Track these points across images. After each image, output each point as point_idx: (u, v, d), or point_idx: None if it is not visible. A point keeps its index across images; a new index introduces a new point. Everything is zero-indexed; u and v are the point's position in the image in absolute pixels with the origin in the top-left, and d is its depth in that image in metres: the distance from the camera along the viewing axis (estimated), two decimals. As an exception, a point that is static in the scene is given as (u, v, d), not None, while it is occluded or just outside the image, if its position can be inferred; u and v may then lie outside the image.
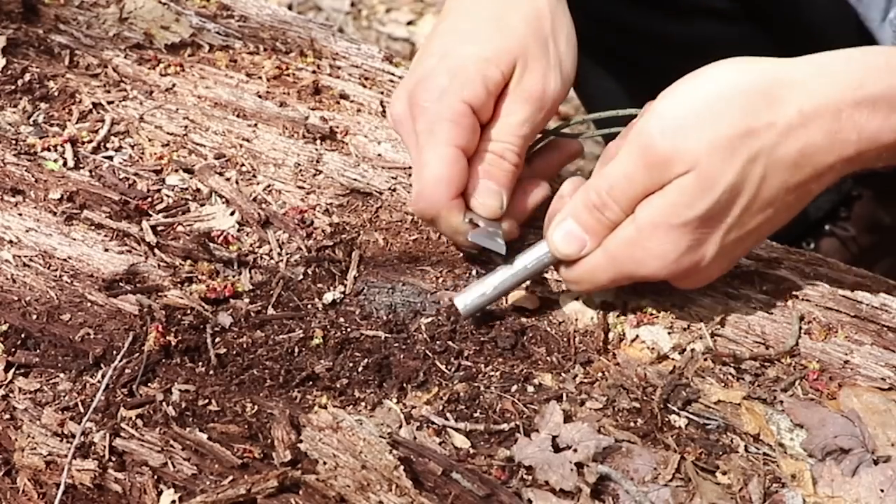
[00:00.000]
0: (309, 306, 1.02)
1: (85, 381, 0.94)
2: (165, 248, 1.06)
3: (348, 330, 1.00)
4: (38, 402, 0.93)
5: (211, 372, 0.95)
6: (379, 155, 1.20)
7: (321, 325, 1.00)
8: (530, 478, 0.87)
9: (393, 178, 1.16)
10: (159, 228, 1.08)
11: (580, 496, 0.86)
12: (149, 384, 0.94)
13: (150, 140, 1.20)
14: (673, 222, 0.92)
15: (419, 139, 1.02)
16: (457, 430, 0.91)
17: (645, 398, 0.94)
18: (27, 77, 1.26)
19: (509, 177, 1.04)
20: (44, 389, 0.93)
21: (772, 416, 0.94)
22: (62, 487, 0.88)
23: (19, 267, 1.03)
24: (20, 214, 1.09)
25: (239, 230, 1.09)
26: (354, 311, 1.02)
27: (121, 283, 1.02)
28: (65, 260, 1.04)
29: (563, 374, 0.97)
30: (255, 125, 1.22)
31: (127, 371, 0.94)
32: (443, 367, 0.97)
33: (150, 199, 1.11)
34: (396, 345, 0.98)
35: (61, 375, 0.94)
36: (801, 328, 1.01)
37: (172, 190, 1.13)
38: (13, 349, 0.96)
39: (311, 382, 0.95)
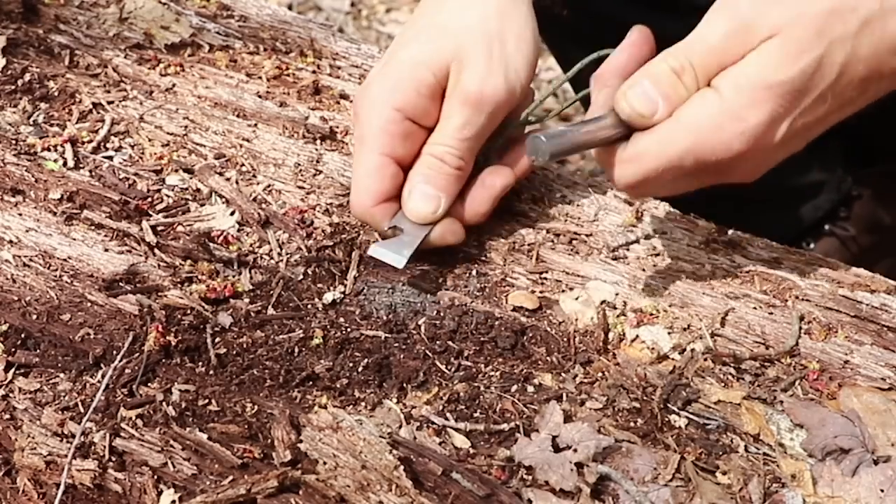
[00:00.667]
0: (309, 306, 1.02)
1: (85, 381, 0.94)
2: (165, 248, 1.06)
3: (348, 330, 1.00)
4: (38, 402, 0.93)
5: (211, 372, 0.95)
6: (379, 155, 1.20)
7: (321, 325, 1.00)
8: (530, 478, 0.87)
9: (393, 178, 1.16)
10: (159, 228, 1.08)
11: (580, 496, 0.86)
12: (149, 384, 0.94)
13: (150, 140, 1.20)
14: (759, 83, 0.90)
15: (355, 146, 1.07)
16: (457, 430, 0.91)
17: (645, 398, 0.94)
18: (27, 77, 1.26)
19: (450, 181, 1.04)
20: (44, 389, 0.93)
21: (772, 416, 0.94)
22: (62, 487, 0.88)
23: (19, 267, 1.03)
24: (20, 214, 1.09)
25: (239, 230, 1.09)
26: (354, 311, 1.02)
27: (121, 283, 1.02)
28: (65, 260, 1.04)
29: (563, 374, 0.97)
30: (255, 125, 1.22)
31: (127, 371, 0.94)
32: (443, 367, 0.97)
33: (150, 199, 1.11)
34: (396, 345, 0.98)
35: (61, 375, 0.94)
36: (801, 328, 1.01)
37: (172, 190, 1.13)
38: (13, 349, 0.96)
39: (311, 382, 0.95)
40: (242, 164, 1.17)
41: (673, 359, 0.98)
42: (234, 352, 0.97)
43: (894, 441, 0.91)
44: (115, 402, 0.92)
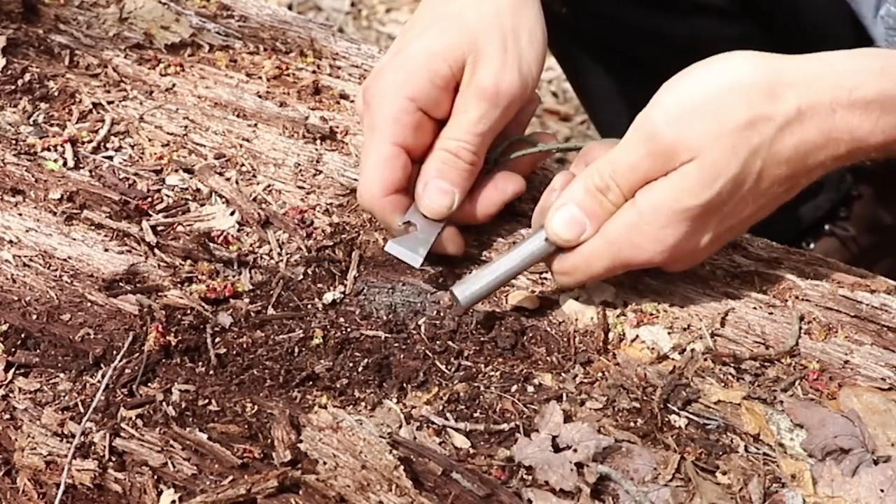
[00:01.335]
0: (309, 306, 1.02)
1: (85, 381, 0.94)
2: (165, 248, 1.06)
3: (348, 330, 1.00)
4: (38, 402, 0.93)
5: (211, 372, 0.95)
6: (379, 155, 1.20)
7: (321, 325, 1.00)
8: (530, 478, 0.87)
9: (393, 177, 1.16)
10: (159, 228, 1.08)
11: (580, 496, 0.86)
12: (149, 384, 0.94)
13: (150, 140, 1.20)
14: (675, 208, 0.93)
15: (365, 136, 1.05)
16: (457, 430, 0.91)
17: (645, 398, 0.94)
18: (27, 77, 1.26)
19: (464, 176, 1.04)
20: (44, 389, 0.93)
21: (772, 416, 0.94)
22: (62, 487, 0.88)
23: (19, 267, 1.03)
24: (20, 214, 1.09)
25: (239, 230, 1.09)
26: (354, 311, 1.02)
27: (121, 283, 1.02)
28: (65, 260, 1.04)
29: (563, 374, 0.97)
30: (255, 125, 1.22)
31: (127, 371, 0.94)
32: (443, 367, 0.97)
33: (150, 199, 1.11)
34: (396, 345, 0.98)
35: (61, 375, 0.94)
36: (801, 328, 1.01)
37: (172, 190, 1.13)
38: (13, 349, 0.96)
39: (311, 382, 0.95)
40: (242, 164, 1.17)
41: (673, 359, 0.98)
42: (234, 352, 0.97)
43: (894, 441, 0.91)
44: (115, 402, 0.92)
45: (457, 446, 0.90)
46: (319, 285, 1.04)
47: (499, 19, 1.05)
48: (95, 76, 1.28)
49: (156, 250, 1.05)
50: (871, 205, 1.79)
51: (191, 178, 1.15)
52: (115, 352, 0.96)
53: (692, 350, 0.98)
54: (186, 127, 1.21)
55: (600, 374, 0.97)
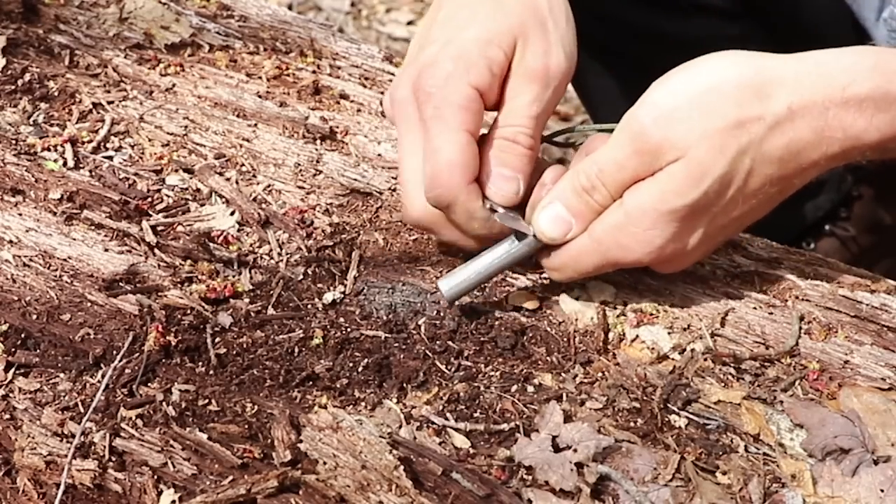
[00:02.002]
0: (309, 306, 1.02)
1: (85, 381, 0.94)
2: (165, 248, 1.06)
3: (348, 330, 1.00)
4: (38, 402, 0.93)
5: (211, 372, 0.95)
6: (379, 155, 1.20)
7: (321, 325, 1.00)
8: (530, 478, 0.87)
9: (393, 177, 1.16)
10: (159, 228, 1.08)
11: (580, 496, 0.86)
12: (149, 384, 0.94)
13: (150, 140, 1.20)
14: (662, 209, 0.93)
15: (427, 125, 1.00)
16: (457, 430, 0.91)
17: (645, 398, 0.94)
18: (27, 77, 1.26)
19: (525, 161, 1.01)
20: (44, 389, 0.93)
21: (772, 416, 0.94)
22: (62, 487, 0.88)
23: (19, 267, 1.03)
24: (20, 214, 1.09)
25: (239, 230, 1.09)
26: (354, 311, 1.02)
27: (121, 283, 1.02)
28: (65, 260, 1.04)
29: (563, 374, 0.97)
30: (255, 125, 1.22)
31: (127, 371, 0.94)
32: (443, 367, 0.97)
33: (150, 199, 1.11)
34: (396, 345, 0.98)
35: (61, 375, 0.94)
36: (801, 328, 1.01)
37: (172, 190, 1.13)
38: (13, 349, 0.96)
39: (311, 382, 0.95)
40: (242, 164, 1.17)
41: (673, 359, 0.98)
42: (234, 352, 0.97)
43: (894, 441, 0.91)
44: (115, 402, 0.92)
45: (457, 446, 0.90)
46: (319, 285, 1.04)
47: (535, 4, 1.04)
48: (95, 76, 1.28)
49: (156, 250, 1.05)
50: (871, 205, 1.79)
51: (191, 178, 1.15)
52: (115, 352, 0.96)
53: (692, 350, 0.98)
54: (186, 127, 1.21)
55: (600, 374, 0.97)
